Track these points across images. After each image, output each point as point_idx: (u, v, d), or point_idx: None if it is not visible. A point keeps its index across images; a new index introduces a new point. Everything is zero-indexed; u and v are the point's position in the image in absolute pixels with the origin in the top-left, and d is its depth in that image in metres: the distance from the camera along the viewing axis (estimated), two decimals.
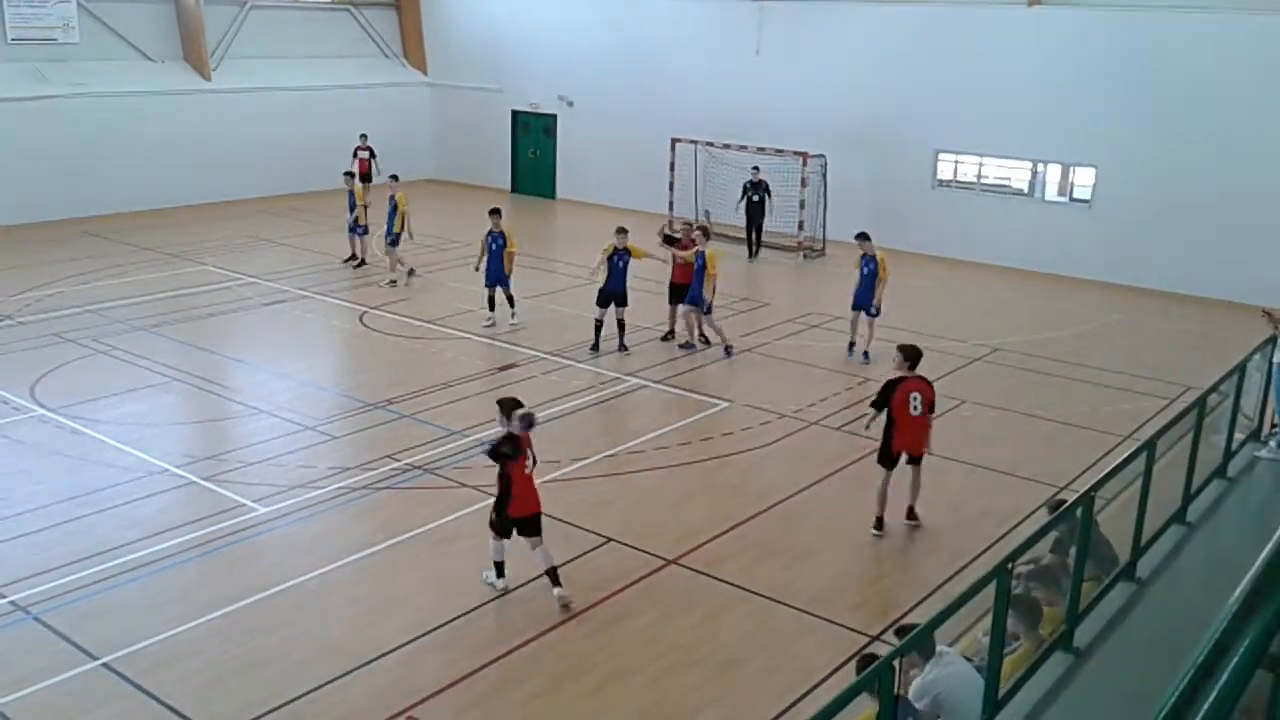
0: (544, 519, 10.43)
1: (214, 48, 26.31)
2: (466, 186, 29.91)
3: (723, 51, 24.94)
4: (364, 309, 17.65)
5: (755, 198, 22.40)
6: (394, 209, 18.81)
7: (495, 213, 16.81)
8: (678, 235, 16.58)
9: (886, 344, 16.12)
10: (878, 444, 10.53)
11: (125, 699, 7.64)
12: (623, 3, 26.63)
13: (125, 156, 24.46)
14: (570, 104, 27.89)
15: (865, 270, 15.56)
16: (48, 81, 23.48)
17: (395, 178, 19.80)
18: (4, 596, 8.87)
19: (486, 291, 16.75)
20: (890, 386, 10.34)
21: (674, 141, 24.51)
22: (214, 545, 9.86)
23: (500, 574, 9.23)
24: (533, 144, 29.20)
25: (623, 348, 15.70)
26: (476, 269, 16.94)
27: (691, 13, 25.46)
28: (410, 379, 14.37)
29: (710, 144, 24.16)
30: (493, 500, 9.17)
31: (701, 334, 16.11)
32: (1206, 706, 3.33)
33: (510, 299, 16.76)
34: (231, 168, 26.23)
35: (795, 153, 22.70)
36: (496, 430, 9.59)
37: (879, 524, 10.46)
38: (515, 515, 8.96)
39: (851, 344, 15.94)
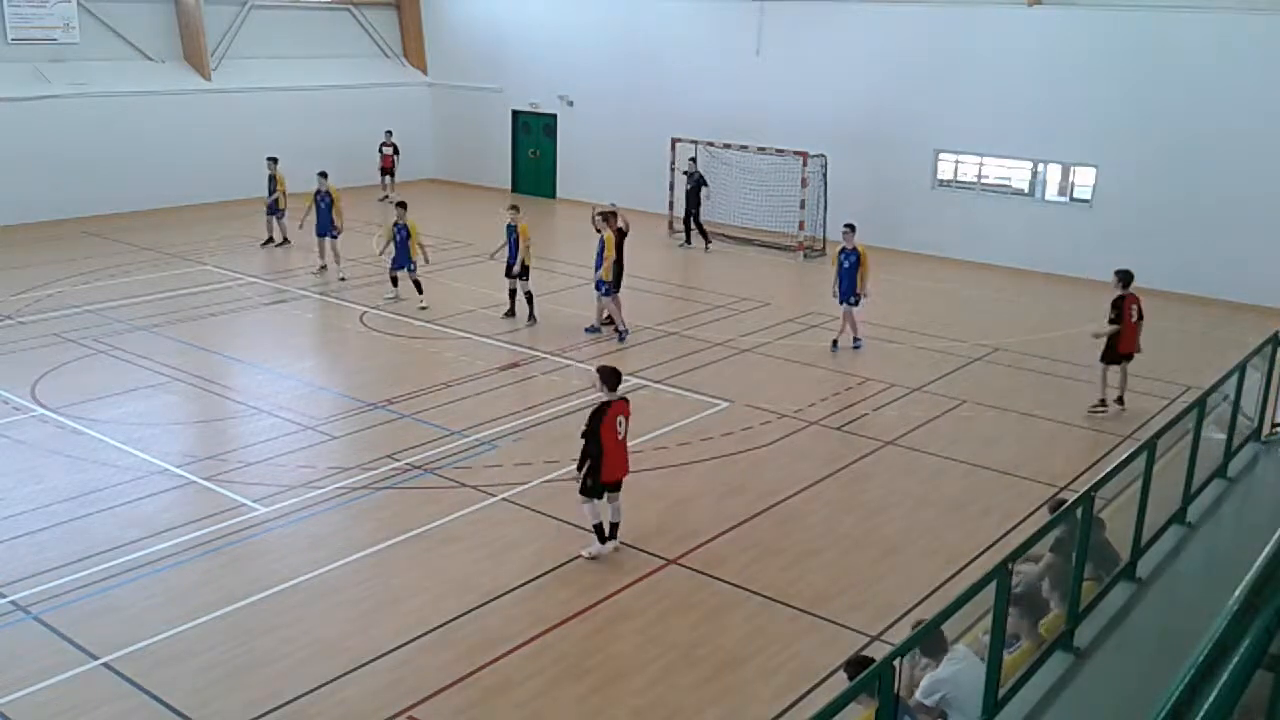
0: (545, 519, 10.53)
1: (214, 48, 26.31)
2: (467, 186, 29.92)
3: (723, 51, 24.93)
4: (364, 309, 17.66)
5: (689, 187, 22.76)
6: (330, 203, 19.50)
7: (401, 206, 18.02)
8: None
9: (876, 342, 16.24)
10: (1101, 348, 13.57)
11: (125, 699, 7.64)
12: (623, 3, 26.63)
13: (125, 156, 24.46)
14: (570, 104, 27.89)
15: (846, 264, 15.80)
16: (48, 81, 23.48)
17: (324, 174, 20.13)
18: (4, 596, 8.87)
19: (391, 273, 17.93)
20: (1119, 301, 13.32)
21: (674, 141, 24.49)
22: (214, 545, 9.85)
23: (604, 539, 9.79)
24: (533, 144, 29.21)
25: (510, 314, 17.06)
26: (380, 253, 18.58)
27: (691, 13, 25.46)
28: (410, 379, 14.37)
29: (710, 144, 24.15)
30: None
31: (608, 318, 16.47)
32: (1206, 706, 3.33)
33: (417, 284, 17.75)
34: (231, 168, 26.19)
35: (795, 153, 22.69)
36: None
37: (1103, 404, 13.62)
38: (607, 481, 9.64)
39: (835, 341, 16.17)
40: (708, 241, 22.93)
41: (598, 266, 16.03)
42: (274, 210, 21.69)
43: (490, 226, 25.05)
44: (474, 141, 30.11)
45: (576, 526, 10.33)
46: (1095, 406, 13.66)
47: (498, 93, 29.27)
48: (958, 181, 22.73)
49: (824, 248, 22.62)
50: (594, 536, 9.76)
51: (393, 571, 9.52)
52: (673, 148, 24.49)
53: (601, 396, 9.56)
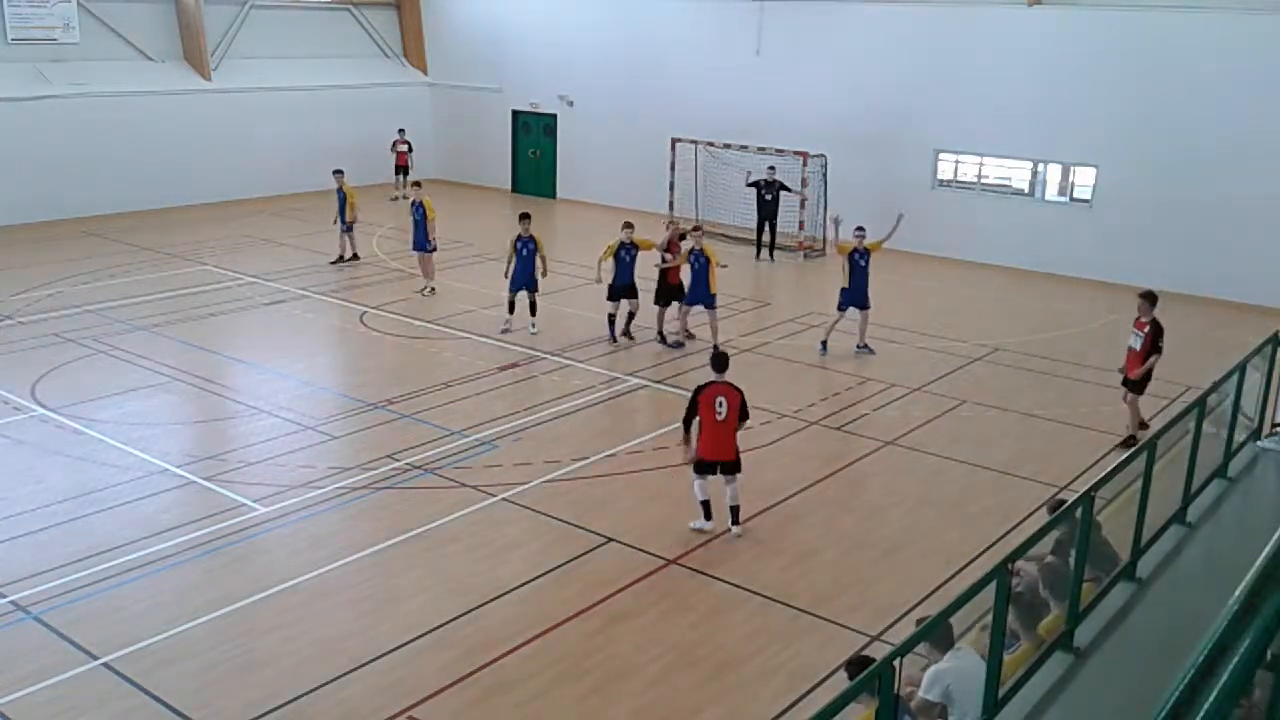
0: (545, 519, 10.52)
1: (214, 48, 26.31)
2: (467, 186, 29.93)
3: (723, 51, 24.93)
4: (364, 309, 17.66)
5: (768, 197, 22.23)
6: (423, 215, 18.30)
7: (525, 218, 16.47)
8: (670, 236, 16.55)
9: (876, 342, 16.25)
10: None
11: (125, 699, 7.64)
12: (623, 3, 26.63)
13: (125, 156, 24.46)
14: (570, 104, 27.89)
15: (862, 263, 15.59)
16: (48, 81, 23.48)
17: (418, 184, 19.70)
18: (4, 596, 8.87)
19: (509, 296, 16.38)
20: (1159, 327, 12.46)
21: (674, 141, 24.51)
22: (214, 545, 9.85)
23: (707, 516, 10.21)
24: (533, 144, 29.21)
25: (627, 335, 16.11)
26: (505, 275, 16.43)
27: (691, 13, 25.46)
28: (410, 379, 14.37)
29: (710, 144, 24.15)
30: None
31: (686, 330, 16.20)
32: (1206, 706, 3.33)
33: (534, 305, 16.44)
34: (231, 168, 26.23)
35: (795, 153, 22.69)
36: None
37: (1134, 440, 12.33)
38: (704, 458, 10.14)
39: (863, 344, 15.87)
40: (773, 254, 22.34)
41: (702, 285, 15.41)
42: (345, 225, 20.38)
43: (491, 225, 25.10)
44: (474, 141, 30.11)
45: (576, 526, 10.34)
46: (1133, 436, 12.48)
47: (498, 93, 29.27)
48: (958, 181, 22.74)
49: (824, 248, 22.61)
50: (700, 511, 10.29)
51: (393, 571, 9.52)
52: (673, 148, 24.51)
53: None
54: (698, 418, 10.07)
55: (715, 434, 10.03)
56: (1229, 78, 18.97)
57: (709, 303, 15.63)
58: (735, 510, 10.20)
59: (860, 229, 15.81)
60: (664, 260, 16.06)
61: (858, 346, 15.87)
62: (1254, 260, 19.04)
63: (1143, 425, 12.66)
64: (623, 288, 15.88)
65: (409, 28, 30.66)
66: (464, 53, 29.81)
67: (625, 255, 15.80)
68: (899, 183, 22.83)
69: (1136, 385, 12.60)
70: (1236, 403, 8.64)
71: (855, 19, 23.14)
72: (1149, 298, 12.55)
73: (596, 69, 27.11)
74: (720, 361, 10.40)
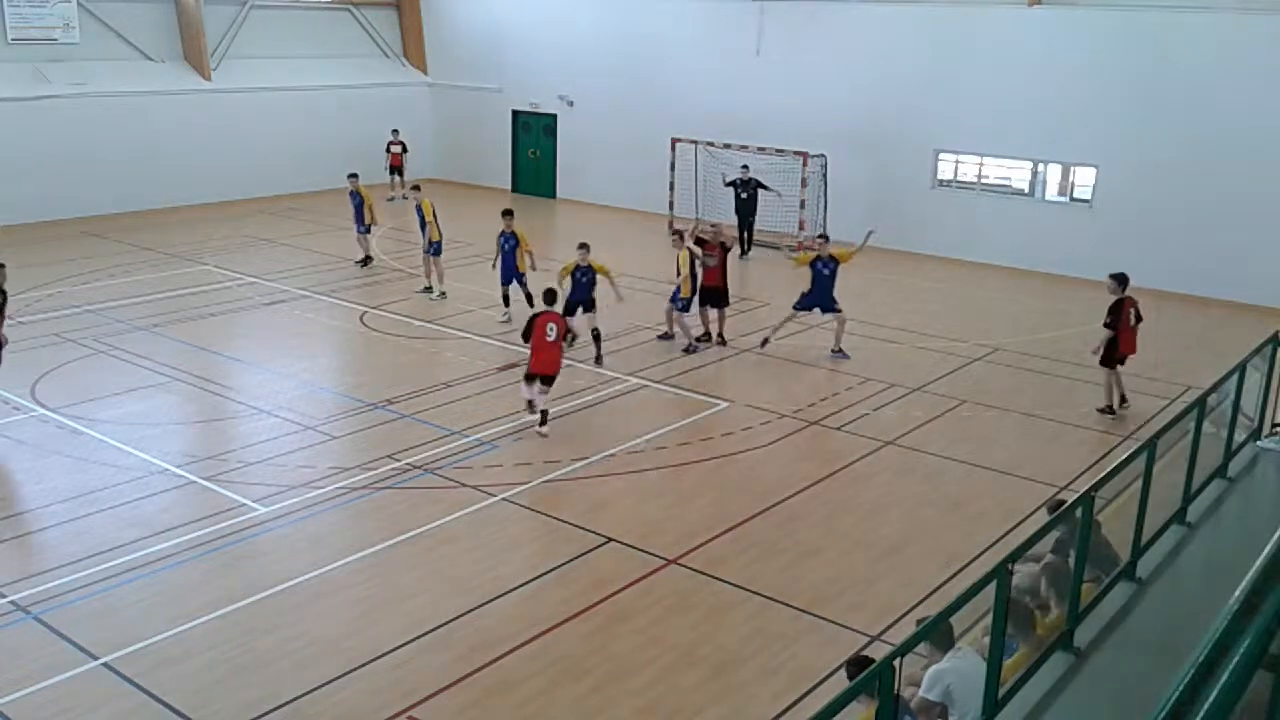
0: (545, 519, 10.53)
1: (214, 48, 26.31)
2: (467, 186, 29.92)
3: (723, 51, 24.93)
4: (364, 309, 17.66)
5: (744, 195, 22.31)
6: (422, 217, 18.40)
7: (507, 214, 17.00)
8: (706, 237, 16.51)
9: (876, 342, 16.25)
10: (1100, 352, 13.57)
11: (125, 699, 7.64)
12: (623, 3, 26.63)
13: (125, 156, 24.45)
14: (570, 104, 27.90)
15: (825, 271, 15.52)
16: (48, 81, 23.48)
17: (417, 187, 19.80)
18: (4, 596, 8.87)
19: (502, 290, 17.01)
20: (1117, 305, 13.36)
21: (674, 141, 24.50)
22: (214, 545, 9.85)
23: (531, 411, 12.59)
24: (533, 144, 29.22)
25: (598, 360, 15.21)
26: (493, 267, 17.16)
27: (691, 13, 25.46)
28: (410, 379, 14.37)
29: (710, 144, 24.15)
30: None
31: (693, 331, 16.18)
32: (1206, 706, 3.33)
33: (529, 297, 16.59)
34: (231, 168, 26.23)
35: (795, 153, 22.69)
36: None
37: (1110, 409, 13.63)
38: (533, 371, 12.45)
39: (838, 349, 15.68)
40: (749, 249, 22.39)
41: (679, 287, 15.61)
42: (363, 228, 20.38)
43: (491, 226, 25.01)
44: (474, 141, 30.11)
45: (576, 526, 10.35)
46: (1104, 409, 13.62)
47: (498, 93, 29.27)
48: (958, 181, 22.73)
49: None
50: (530, 408, 12.67)
51: (393, 571, 9.52)
52: (673, 148, 24.50)
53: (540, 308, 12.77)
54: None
55: (546, 352, 12.31)
56: (1229, 78, 18.96)
57: (679, 305, 15.74)
58: (545, 414, 12.42)
59: (822, 236, 15.84)
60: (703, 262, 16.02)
61: (832, 351, 15.69)
62: (1254, 260, 19.04)
63: (1122, 400, 13.73)
64: (576, 303, 15.35)
65: (409, 28, 30.66)
66: (464, 53, 29.81)
67: (581, 277, 15.35)
68: (899, 183, 22.85)
69: (1103, 360, 13.62)
70: (1236, 403, 8.63)
71: (855, 19, 23.14)
72: (1114, 278, 13.48)
73: (596, 69, 27.10)
74: (550, 295, 12.82)
